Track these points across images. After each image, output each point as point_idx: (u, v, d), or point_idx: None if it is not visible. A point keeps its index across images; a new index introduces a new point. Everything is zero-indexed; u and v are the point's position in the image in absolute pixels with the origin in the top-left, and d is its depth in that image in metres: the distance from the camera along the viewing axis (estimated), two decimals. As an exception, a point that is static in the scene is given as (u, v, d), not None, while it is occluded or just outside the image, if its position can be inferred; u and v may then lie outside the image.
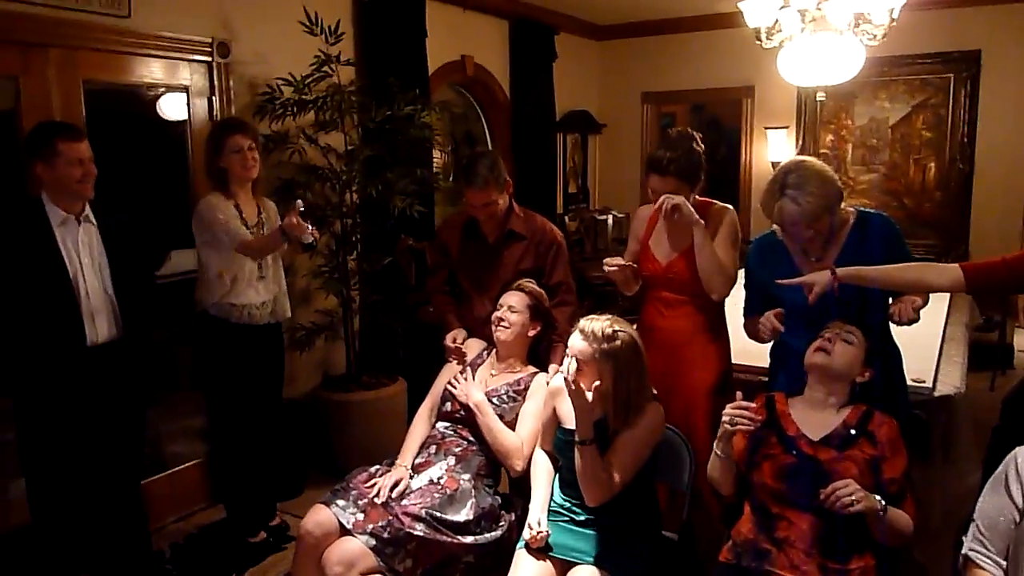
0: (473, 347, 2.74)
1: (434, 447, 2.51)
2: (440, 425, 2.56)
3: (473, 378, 2.57)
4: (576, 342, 2.15)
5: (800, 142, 6.15)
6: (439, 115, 4.20)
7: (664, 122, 8.68)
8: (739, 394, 2.06)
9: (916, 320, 2.26)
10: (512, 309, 2.55)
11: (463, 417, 2.50)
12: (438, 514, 2.27)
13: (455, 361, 2.70)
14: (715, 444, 2.09)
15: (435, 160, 4.71)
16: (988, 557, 1.71)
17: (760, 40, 3.81)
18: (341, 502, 2.29)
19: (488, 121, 5.83)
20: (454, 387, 2.55)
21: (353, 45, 4.26)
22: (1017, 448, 1.77)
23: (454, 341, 2.77)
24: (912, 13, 4.17)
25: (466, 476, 2.41)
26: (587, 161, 6.71)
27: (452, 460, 2.44)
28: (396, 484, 2.35)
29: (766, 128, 6.22)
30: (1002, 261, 2.09)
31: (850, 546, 1.90)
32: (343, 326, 3.97)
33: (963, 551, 1.75)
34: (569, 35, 6.33)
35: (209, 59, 3.58)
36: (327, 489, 2.45)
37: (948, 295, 4.01)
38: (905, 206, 5.91)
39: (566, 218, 6.30)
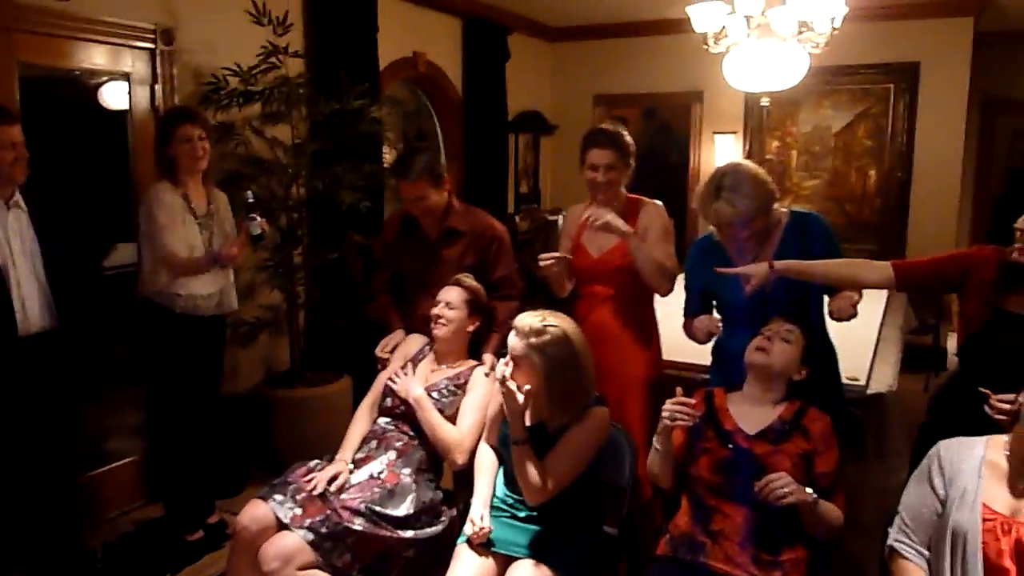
0: (414, 342, 2.73)
1: (375, 442, 2.48)
2: (381, 420, 2.54)
3: (414, 373, 2.56)
4: (510, 339, 2.15)
5: (747, 148, 6.27)
6: (389, 110, 4.17)
7: (616, 126, 8.79)
8: (679, 390, 2.08)
9: (853, 316, 2.33)
10: (449, 305, 2.55)
11: (403, 412, 2.49)
12: (378, 508, 2.25)
13: (386, 366, 2.70)
14: (654, 439, 2.12)
15: (385, 156, 4.66)
16: (911, 547, 1.77)
17: (707, 45, 3.87)
18: (279, 497, 2.26)
19: (440, 119, 5.81)
20: (394, 382, 2.53)
21: (302, 37, 4.21)
22: (940, 442, 1.83)
23: (384, 350, 2.77)
24: (855, 24, 4.28)
25: (407, 471, 2.39)
26: (539, 161, 6.74)
27: (393, 455, 2.43)
28: (334, 477, 2.33)
29: (714, 133, 6.33)
30: (931, 260, 2.16)
31: (783, 538, 1.94)
32: (287, 321, 3.91)
33: (888, 542, 1.81)
34: (522, 36, 6.35)
35: (152, 46, 3.49)
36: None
37: (885, 297, 4.13)
38: (846, 212, 6.07)
39: (517, 218, 6.31)
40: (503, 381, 2.07)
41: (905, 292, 2.22)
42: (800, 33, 3.73)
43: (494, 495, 2.29)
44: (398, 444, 2.45)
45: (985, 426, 1.88)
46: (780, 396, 2.14)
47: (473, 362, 2.60)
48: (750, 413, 2.13)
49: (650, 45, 6.47)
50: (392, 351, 2.75)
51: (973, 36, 5.62)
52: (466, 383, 2.52)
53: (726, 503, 2.00)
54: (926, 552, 1.75)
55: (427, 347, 2.68)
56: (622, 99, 6.92)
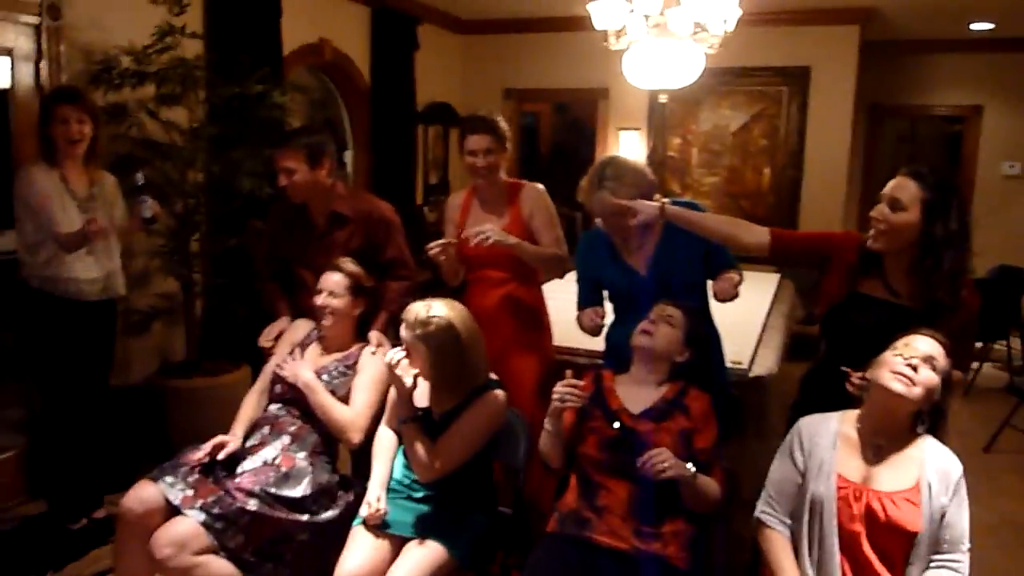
0: (301, 328, 2.72)
1: (267, 428, 2.46)
2: (272, 407, 2.52)
3: (302, 358, 2.55)
4: (401, 330, 2.21)
5: (650, 145, 6.46)
6: (292, 96, 4.10)
7: (527, 121, 8.87)
8: (569, 372, 2.15)
9: (735, 297, 2.42)
10: (333, 294, 2.53)
11: (294, 398, 2.48)
12: (273, 490, 2.23)
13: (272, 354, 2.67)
14: (546, 420, 2.18)
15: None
16: (775, 517, 1.89)
17: (607, 42, 3.98)
18: (169, 478, 2.21)
19: (348, 108, 5.76)
20: (282, 369, 2.52)
21: (201, 18, 4.09)
22: (800, 419, 1.97)
23: (267, 338, 2.75)
24: (750, 28, 4.47)
25: (302, 454, 2.38)
26: (448, 153, 6.75)
27: (287, 439, 2.41)
28: (222, 447, 2.28)
29: (619, 129, 6.50)
30: (805, 235, 2.27)
31: (663, 512, 2.03)
32: (184, 310, 3.81)
33: (755, 514, 1.93)
34: (432, 27, 6.34)
35: (37, 21, 3.33)
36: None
37: (774, 287, 4.35)
38: (742, 207, 6.33)
39: (425, 209, 6.31)
40: (391, 366, 2.11)
41: (775, 261, 2.28)
42: (695, 33, 3.87)
43: (392, 477, 2.31)
44: (291, 428, 2.44)
45: (848, 402, 2.03)
46: (663, 377, 2.23)
47: (362, 343, 2.61)
48: (635, 393, 2.21)
49: (559, 41, 6.57)
50: (277, 339, 2.72)
51: (860, 43, 5.96)
52: (356, 363, 2.53)
53: (611, 479, 2.07)
54: (789, 521, 1.88)
55: (314, 332, 2.67)
56: (532, 93, 7.02)
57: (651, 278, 2.46)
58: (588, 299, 2.60)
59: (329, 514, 2.32)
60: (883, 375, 1.80)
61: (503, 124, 2.76)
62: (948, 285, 2.01)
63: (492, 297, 2.75)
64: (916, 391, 1.77)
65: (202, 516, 2.11)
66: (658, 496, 2.01)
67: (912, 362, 1.78)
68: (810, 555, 1.79)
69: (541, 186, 2.85)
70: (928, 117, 7.70)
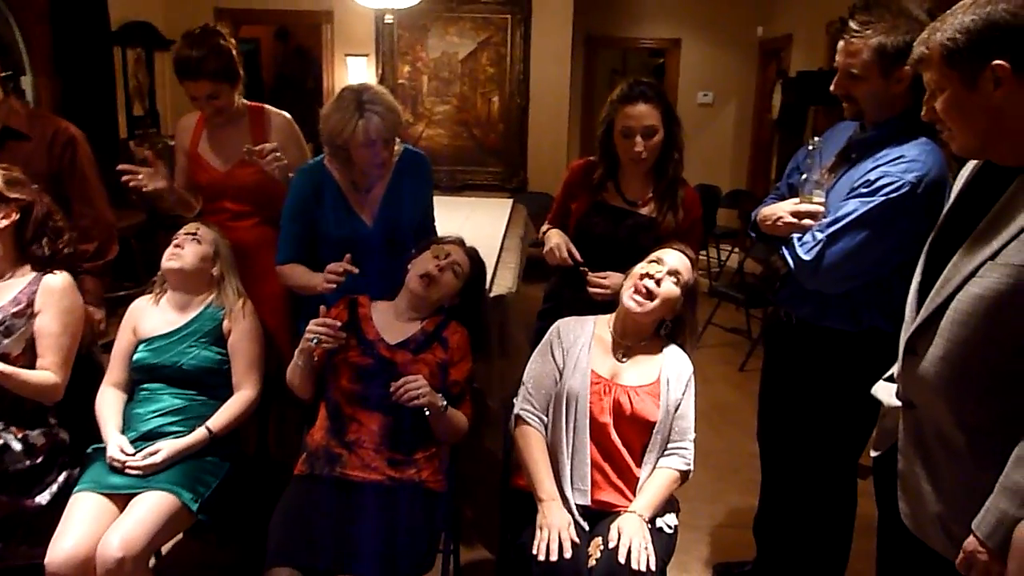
0: None
1: None
2: None
3: None
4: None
5: (379, 71, 6.27)
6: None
7: (247, 48, 8.18)
8: (323, 308, 2.01)
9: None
10: None
11: None
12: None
13: None
14: (296, 353, 2.04)
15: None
16: (533, 413, 1.98)
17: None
18: None
19: (21, 26, 4.87)
20: None
21: None
22: (559, 321, 2.08)
23: None
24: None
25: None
26: (154, 81, 6.03)
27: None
28: None
29: (346, 55, 6.22)
30: (557, 201, 2.35)
31: (416, 440, 2.00)
32: None
33: (515, 411, 1.99)
34: (122, -67, 5.53)
35: None
36: None
37: (508, 211, 4.48)
38: (475, 136, 6.43)
39: (131, 143, 5.61)
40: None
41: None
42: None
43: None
44: None
45: (589, 306, 2.15)
46: (427, 314, 2.16)
47: (31, 271, 2.12)
48: (394, 325, 2.12)
49: (275, -45, 6.08)
50: None
51: (575, -26, 6.19)
52: (31, 301, 2.06)
53: (362, 411, 1.99)
54: (545, 418, 1.97)
55: None
56: (247, 14, 6.46)
57: (378, 229, 2.29)
58: (295, 250, 2.30)
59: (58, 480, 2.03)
60: (624, 292, 1.97)
61: (225, 51, 2.34)
62: (676, 187, 2.24)
63: (234, 228, 2.45)
64: (650, 306, 1.93)
65: None
66: (411, 426, 1.97)
67: (658, 276, 1.93)
68: (565, 445, 1.90)
69: (287, 115, 2.58)
70: (636, 49, 8.31)
